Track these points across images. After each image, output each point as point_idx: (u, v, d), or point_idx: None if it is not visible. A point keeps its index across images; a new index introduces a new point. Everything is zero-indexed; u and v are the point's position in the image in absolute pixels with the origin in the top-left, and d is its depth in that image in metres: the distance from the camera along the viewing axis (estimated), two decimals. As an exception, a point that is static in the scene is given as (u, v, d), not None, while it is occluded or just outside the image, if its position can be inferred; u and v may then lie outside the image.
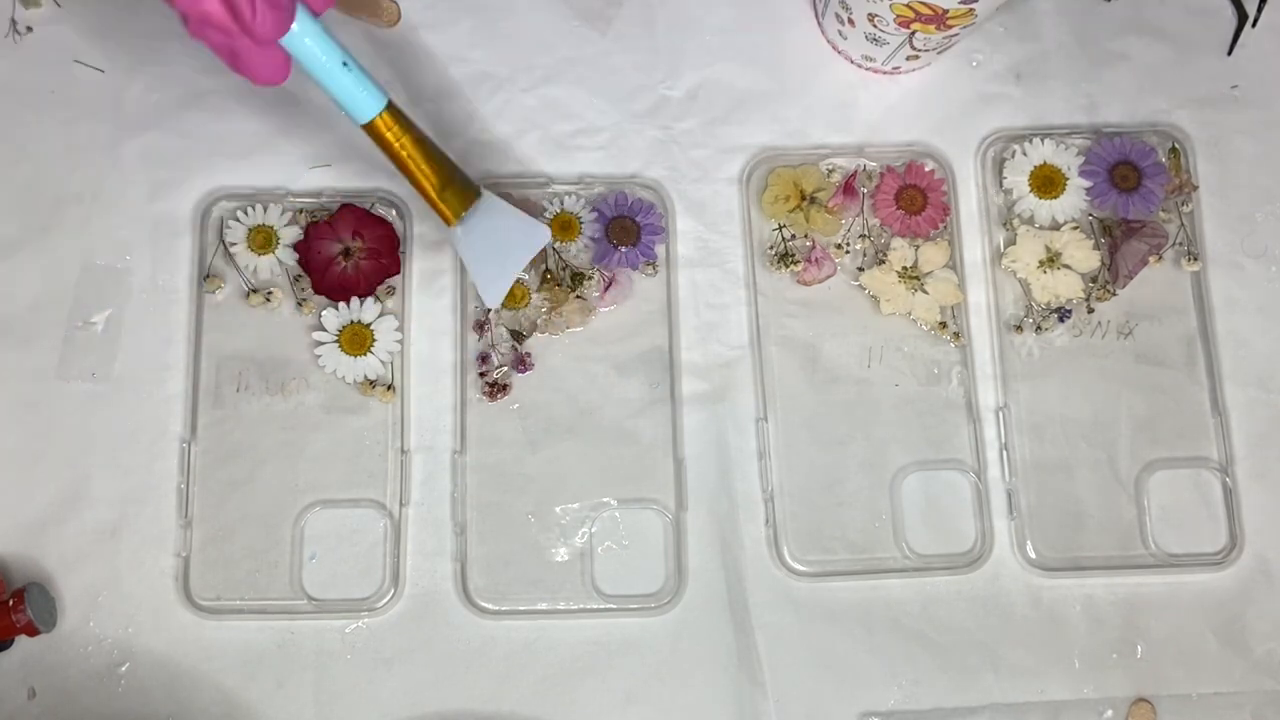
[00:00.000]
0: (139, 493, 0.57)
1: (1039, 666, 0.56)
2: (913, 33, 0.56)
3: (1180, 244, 0.60)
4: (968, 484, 0.58)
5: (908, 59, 0.60)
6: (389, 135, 0.48)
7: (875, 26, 0.57)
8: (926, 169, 0.60)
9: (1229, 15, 0.64)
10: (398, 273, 0.59)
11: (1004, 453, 0.58)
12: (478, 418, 0.58)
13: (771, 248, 0.60)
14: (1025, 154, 0.60)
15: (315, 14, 0.45)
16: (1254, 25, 0.63)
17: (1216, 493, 0.58)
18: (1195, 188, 0.61)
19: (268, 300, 0.58)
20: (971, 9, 0.53)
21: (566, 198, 0.60)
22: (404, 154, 0.49)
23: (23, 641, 0.55)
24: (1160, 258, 0.60)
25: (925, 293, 0.59)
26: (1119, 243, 0.59)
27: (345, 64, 0.46)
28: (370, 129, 0.48)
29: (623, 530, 0.57)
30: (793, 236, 0.60)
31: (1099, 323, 0.60)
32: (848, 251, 0.60)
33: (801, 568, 0.57)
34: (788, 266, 0.59)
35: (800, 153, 0.61)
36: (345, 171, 0.60)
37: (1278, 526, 0.58)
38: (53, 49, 0.62)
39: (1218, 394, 0.59)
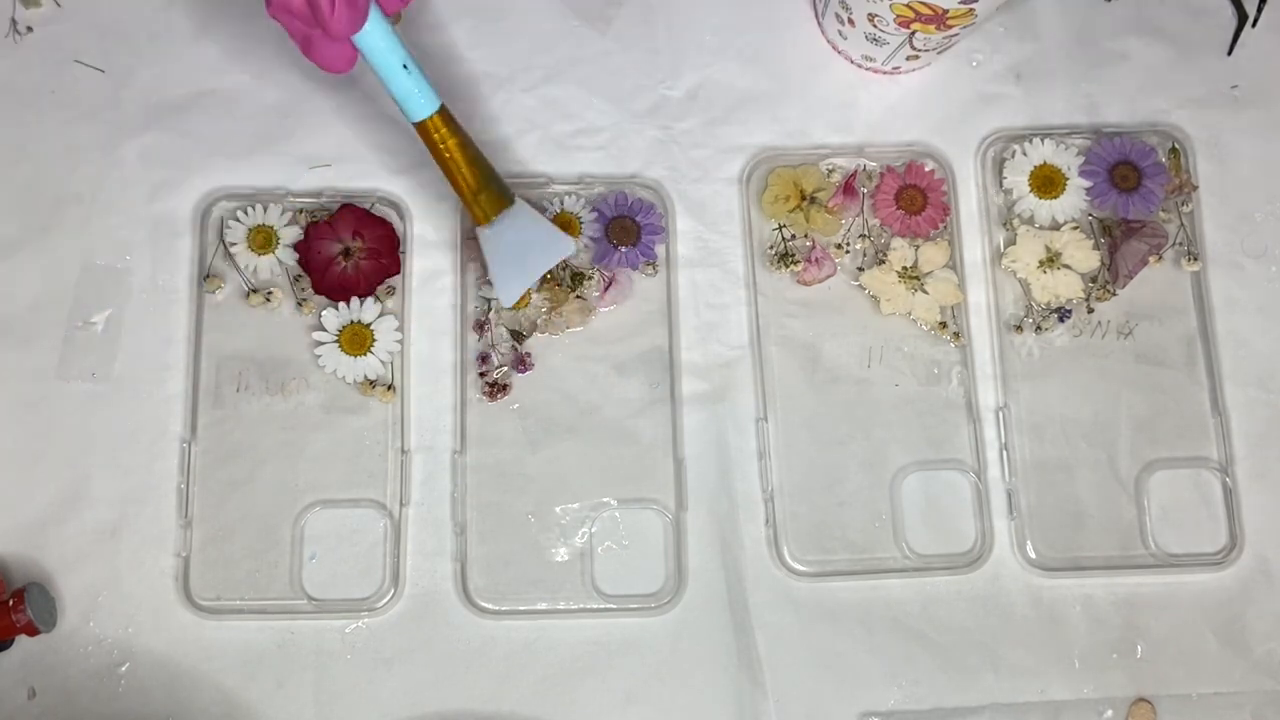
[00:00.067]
0: (139, 493, 0.57)
1: (1039, 666, 0.56)
2: (913, 33, 0.56)
3: (1180, 244, 0.60)
4: (968, 484, 0.58)
5: (908, 59, 0.60)
6: (435, 136, 0.51)
7: (875, 26, 0.57)
8: (926, 169, 0.60)
9: (1229, 15, 0.64)
10: (398, 273, 0.59)
11: (1004, 453, 0.58)
12: (478, 418, 0.58)
13: (771, 248, 0.60)
14: (1025, 154, 0.60)
15: (387, 15, 0.48)
16: (1254, 25, 0.63)
17: (1216, 493, 0.58)
18: (1195, 188, 0.61)
19: (268, 300, 0.58)
20: (971, 9, 0.53)
21: (566, 198, 0.60)
22: (447, 155, 0.51)
23: (23, 641, 0.55)
24: (1160, 258, 0.60)
25: (925, 293, 0.59)
26: (1119, 243, 0.59)
27: (405, 66, 0.48)
28: (420, 128, 0.51)
29: (623, 530, 0.57)
30: (793, 236, 0.60)
31: (1099, 323, 0.60)
32: (848, 251, 0.60)
33: (801, 568, 0.57)
34: (788, 266, 0.59)
35: (800, 153, 0.61)
36: (345, 171, 0.60)
37: (1278, 526, 0.58)
38: (53, 49, 0.61)
39: (1218, 394, 0.59)
